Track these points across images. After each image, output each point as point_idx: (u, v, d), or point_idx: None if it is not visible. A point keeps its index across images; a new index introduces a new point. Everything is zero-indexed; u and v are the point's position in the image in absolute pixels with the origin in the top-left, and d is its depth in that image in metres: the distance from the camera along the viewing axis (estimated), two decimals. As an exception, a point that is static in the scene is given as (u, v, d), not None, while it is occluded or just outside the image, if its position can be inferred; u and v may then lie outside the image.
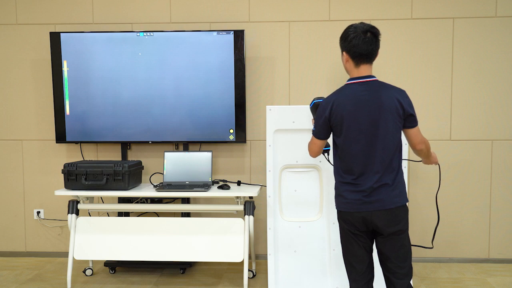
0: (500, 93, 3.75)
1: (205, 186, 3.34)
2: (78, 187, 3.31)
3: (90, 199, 3.48)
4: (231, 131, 3.71)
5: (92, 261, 3.64)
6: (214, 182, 3.58)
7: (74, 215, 3.33)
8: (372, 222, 2.16)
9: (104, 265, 3.64)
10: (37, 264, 3.87)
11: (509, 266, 3.74)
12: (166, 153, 3.55)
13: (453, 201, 3.81)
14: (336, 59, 3.79)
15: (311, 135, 2.33)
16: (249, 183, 3.78)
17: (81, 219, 3.34)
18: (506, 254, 3.82)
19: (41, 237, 4.06)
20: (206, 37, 3.66)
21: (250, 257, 3.52)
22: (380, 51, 3.82)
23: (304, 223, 3.20)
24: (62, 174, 3.34)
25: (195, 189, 3.28)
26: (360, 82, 2.19)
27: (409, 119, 2.19)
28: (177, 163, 3.52)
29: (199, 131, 3.71)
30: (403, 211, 2.19)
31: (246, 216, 3.23)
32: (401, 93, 2.20)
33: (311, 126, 3.10)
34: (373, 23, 3.74)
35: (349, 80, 2.24)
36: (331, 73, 3.80)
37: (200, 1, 3.83)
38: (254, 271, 3.57)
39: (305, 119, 3.15)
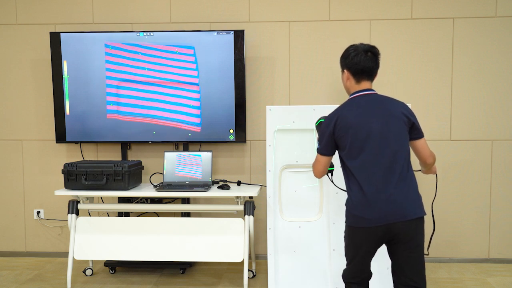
0: (500, 93, 3.75)
1: (205, 186, 3.34)
2: (78, 187, 3.31)
3: (90, 199, 3.48)
4: (231, 131, 3.71)
5: (92, 261, 3.64)
6: (214, 182, 3.58)
7: (74, 215, 3.33)
8: (391, 234, 2.10)
9: (104, 265, 3.64)
10: (37, 264, 3.87)
11: (509, 266, 3.74)
12: (166, 153, 3.55)
13: (453, 201, 3.81)
14: (336, 59, 3.78)
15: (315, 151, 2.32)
16: (249, 183, 3.78)
17: (81, 219, 3.34)
18: (506, 254, 3.82)
19: (41, 237, 4.06)
20: (206, 37, 3.66)
21: (250, 257, 3.52)
22: (380, 51, 3.82)
23: (304, 223, 3.20)
24: (62, 174, 3.34)
25: (195, 189, 3.28)
26: (363, 94, 2.22)
27: (414, 129, 2.19)
28: (177, 163, 3.52)
29: (199, 131, 3.71)
30: (422, 222, 2.15)
31: (246, 216, 3.23)
32: (403, 104, 2.24)
33: (311, 126, 3.13)
34: (373, 23, 3.76)
35: (351, 95, 2.26)
36: (331, 73, 3.80)
37: (200, 1, 3.83)
38: (254, 271, 3.57)
39: (305, 119, 3.15)
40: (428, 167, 2.31)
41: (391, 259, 2.21)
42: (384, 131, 2.12)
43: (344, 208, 2.24)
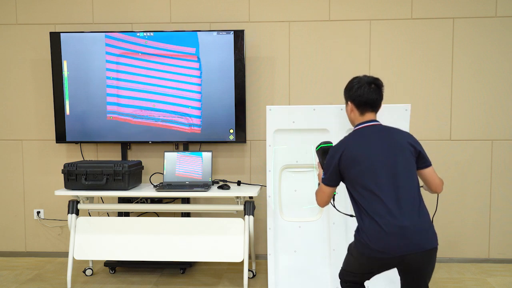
0: (500, 93, 3.75)
1: (205, 186, 3.34)
2: (78, 187, 3.31)
3: (90, 199, 3.48)
4: (231, 131, 3.71)
5: (92, 261, 3.64)
6: (214, 182, 3.58)
7: (74, 215, 3.33)
8: (404, 263, 2.05)
9: (104, 265, 3.64)
10: (37, 264, 3.87)
11: (509, 266, 3.74)
12: (166, 153, 3.55)
13: (453, 201, 3.81)
14: (336, 59, 3.79)
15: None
16: (249, 183, 3.78)
17: (81, 219, 3.34)
18: (506, 254, 3.82)
19: (41, 237, 4.06)
20: (206, 37, 3.66)
21: (250, 257, 3.52)
22: (380, 51, 3.84)
23: (304, 223, 3.20)
24: (62, 174, 3.34)
25: (195, 189, 3.28)
26: (368, 125, 2.22)
27: (421, 159, 2.18)
28: (177, 163, 3.52)
29: (199, 131, 3.71)
30: (436, 252, 2.11)
31: (246, 216, 3.23)
32: (408, 134, 2.24)
33: (310, 126, 3.13)
34: (373, 23, 3.76)
35: (356, 126, 2.26)
36: (331, 73, 3.80)
37: (200, 1, 3.83)
38: (254, 271, 3.57)
39: (305, 119, 3.14)
40: (436, 193, 2.28)
41: (400, 280, 2.18)
42: (392, 162, 2.10)
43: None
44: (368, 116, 2.24)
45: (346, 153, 2.15)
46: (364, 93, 2.21)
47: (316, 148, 2.41)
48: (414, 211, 2.05)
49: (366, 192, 2.09)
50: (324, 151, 2.38)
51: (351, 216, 2.33)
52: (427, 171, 2.20)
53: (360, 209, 2.12)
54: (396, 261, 2.06)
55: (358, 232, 2.13)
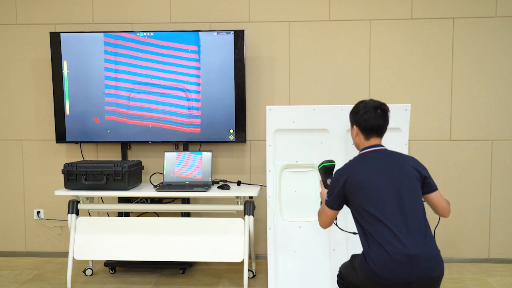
0: (500, 93, 3.75)
1: (205, 186, 3.34)
2: (78, 187, 3.31)
3: (90, 199, 3.48)
4: (231, 131, 3.71)
5: (92, 261, 3.64)
6: (214, 182, 3.58)
7: (74, 215, 3.33)
8: None
9: (104, 265, 3.64)
10: (37, 264, 3.87)
11: (509, 266, 3.74)
12: (166, 153, 3.55)
13: (453, 201, 3.81)
14: (336, 59, 3.79)
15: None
16: (249, 183, 3.78)
17: (81, 219, 3.34)
18: (506, 254, 3.82)
19: (41, 237, 4.06)
20: (206, 37, 3.66)
21: (250, 257, 3.52)
22: (380, 51, 3.83)
23: (304, 223, 3.19)
24: (62, 174, 3.34)
25: (195, 189, 3.28)
26: (373, 150, 2.22)
27: (426, 183, 2.17)
28: (177, 163, 3.52)
29: (199, 131, 3.72)
30: (442, 277, 2.09)
31: (246, 216, 3.23)
32: (413, 158, 2.23)
33: (310, 126, 3.13)
34: (373, 23, 3.76)
35: (361, 150, 2.26)
36: (331, 73, 3.80)
37: (200, 1, 3.83)
38: (254, 271, 3.57)
39: (305, 119, 3.14)
40: (444, 217, 2.27)
41: None
42: (397, 188, 2.08)
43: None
44: (374, 141, 2.24)
45: (350, 178, 2.14)
46: (370, 118, 2.20)
47: (319, 166, 2.42)
48: (421, 237, 2.03)
49: (371, 218, 2.06)
50: (326, 169, 2.39)
51: (354, 233, 2.32)
52: (433, 196, 2.20)
53: (366, 234, 2.10)
54: (401, 287, 2.03)
55: (364, 256, 2.10)
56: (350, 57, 3.79)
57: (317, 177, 2.89)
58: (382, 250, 2.01)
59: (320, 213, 2.29)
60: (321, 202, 2.41)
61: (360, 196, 2.10)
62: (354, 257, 2.26)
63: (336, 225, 2.38)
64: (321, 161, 2.43)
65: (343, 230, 2.55)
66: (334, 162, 2.41)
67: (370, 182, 2.10)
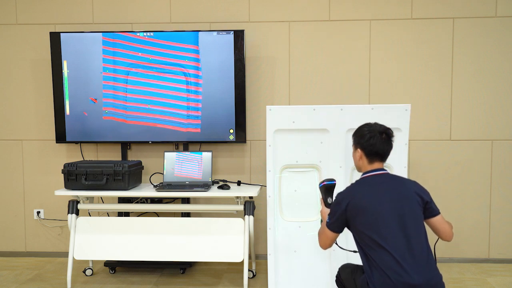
0: (500, 93, 3.75)
1: (205, 186, 3.34)
2: (78, 187, 3.31)
3: (90, 199, 3.48)
4: (231, 131, 3.71)
5: (92, 261, 3.63)
6: (214, 182, 3.58)
7: (74, 215, 3.33)
8: None
9: (104, 265, 3.64)
10: (37, 264, 3.87)
11: (509, 266, 3.74)
12: (166, 153, 3.55)
13: (453, 201, 3.81)
14: (336, 59, 3.79)
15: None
16: (249, 183, 3.78)
17: (81, 219, 3.34)
18: (506, 254, 3.82)
19: (41, 237, 4.06)
20: (206, 37, 3.66)
21: (250, 257, 3.52)
22: (380, 51, 3.83)
23: (304, 223, 3.20)
24: (62, 174, 3.34)
25: (195, 189, 3.28)
26: (375, 174, 2.21)
27: (428, 208, 2.16)
28: (177, 163, 3.52)
29: (199, 131, 3.72)
30: None
31: (246, 216, 3.23)
32: (415, 183, 2.22)
33: (310, 126, 3.13)
34: (373, 23, 3.76)
35: (363, 174, 2.25)
36: (331, 73, 3.80)
37: (200, 1, 3.83)
38: (254, 271, 3.57)
39: (305, 119, 3.14)
40: (447, 241, 2.26)
41: None
42: (399, 214, 2.08)
43: None
44: (377, 165, 2.24)
45: (352, 202, 2.13)
46: (376, 143, 2.20)
47: (319, 185, 2.42)
48: (424, 264, 2.03)
49: (374, 243, 2.06)
50: (327, 188, 2.39)
51: (355, 252, 2.32)
52: (435, 220, 2.19)
53: (368, 259, 2.09)
54: None
55: (366, 280, 2.09)
56: (350, 57, 3.79)
57: (318, 195, 2.90)
58: (385, 277, 2.01)
59: (320, 234, 2.29)
60: (322, 221, 2.41)
61: (362, 221, 2.10)
62: (356, 270, 2.25)
63: (337, 244, 2.37)
64: (322, 180, 2.44)
65: (344, 249, 2.54)
66: (334, 180, 2.42)
67: (372, 207, 2.09)
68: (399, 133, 3.14)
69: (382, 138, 2.20)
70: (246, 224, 3.22)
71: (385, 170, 2.25)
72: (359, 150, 2.26)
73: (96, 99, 3.73)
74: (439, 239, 2.29)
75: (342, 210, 2.15)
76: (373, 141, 2.20)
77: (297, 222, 3.20)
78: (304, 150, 3.19)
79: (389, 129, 2.25)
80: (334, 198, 2.32)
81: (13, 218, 4.06)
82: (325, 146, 3.16)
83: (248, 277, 3.39)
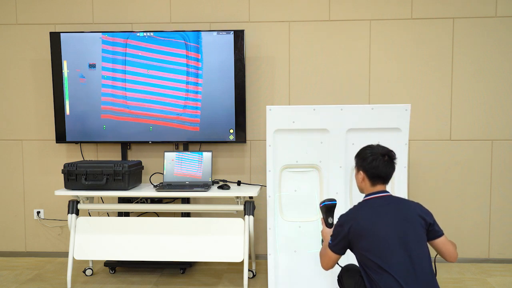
0: (500, 93, 3.75)
1: (205, 186, 3.34)
2: (78, 187, 3.31)
3: (90, 199, 3.48)
4: (231, 131, 3.71)
5: (92, 261, 3.63)
6: (214, 182, 3.58)
7: (74, 215, 3.33)
8: None
9: (104, 265, 3.64)
10: (37, 264, 3.87)
11: (509, 266, 3.74)
12: (166, 153, 3.55)
13: (453, 201, 3.81)
14: (336, 59, 3.79)
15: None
16: (249, 183, 3.78)
17: (81, 219, 3.34)
18: (506, 254, 3.82)
19: (41, 237, 4.06)
20: (206, 37, 3.66)
21: (250, 257, 3.52)
22: (381, 51, 3.83)
23: (304, 223, 3.20)
24: (62, 174, 3.34)
25: (195, 189, 3.28)
26: (378, 196, 2.20)
27: (431, 230, 2.16)
28: (177, 163, 3.52)
29: (199, 131, 3.72)
30: None
31: (246, 216, 3.23)
32: (418, 205, 2.21)
33: (310, 126, 3.13)
34: (373, 23, 3.76)
35: (366, 196, 2.24)
36: (331, 73, 3.80)
37: (200, 1, 3.83)
38: (254, 271, 3.57)
39: (305, 119, 3.14)
40: (452, 262, 2.25)
41: None
42: (402, 236, 2.07)
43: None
44: (379, 187, 2.23)
45: (355, 225, 2.12)
46: (379, 166, 2.19)
47: (320, 204, 2.41)
48: (428, 286, 2.02)
49: (377, 267, 2.05)
50: (327, 208, 2.38)
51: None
52: (439, 241, 2.17)
53: (371, 280, 2.08)
54: None
55: None
56: (350, 57, 3.79)
57: (319, 215, 2.89)
58: None
59: (322, 255, 2.28)
60: (323, 241, 2.40)
61: (365, 245, 2.09)
62: (358, 280, 2.23)
63: (339, 265, 2.35)
64: (322, 200, 2.43)
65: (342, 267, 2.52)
66: (335, 200, 2.40)
67: (375, 231, 2.08)
68: (399, 133, 3.14)
69: (384, 161, 2.19)
70: (246, 224, 3.22)
71: (388, 192, 2.23)
72: (361, 172, 2.25)
73: (96, 100, 3.72)
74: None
75: (345, 233, 2.14)
76: (375, 163, 2.19)
77: (297, 222, 3.20)
78: (304, 150, 3.19)
79: (391, 151, 2.24)
80: (334, 218, 2.31)
81: (13, 218, 4.06)
82: (325, 146, 3.16)
83: (248, 277, 3.39)
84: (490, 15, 3.70)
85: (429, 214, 2.17)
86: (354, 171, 2.33)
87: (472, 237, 3.82)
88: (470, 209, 3.81)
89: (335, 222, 2.30)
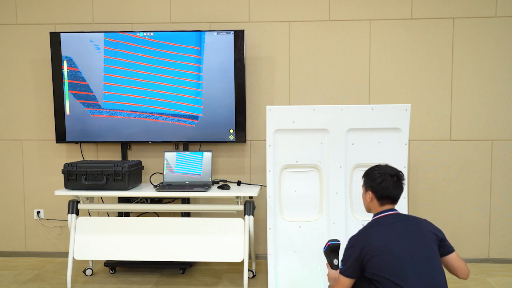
0: (500, 93, 3.75)
1: (205, 186, 3.34)
2: (78, 187, 3.31)
3: (90, 199, 3.48)
4: (231, 131, 3.71)
5: (92, 261, 3.64)
6: (214, 182, 3.58)
7: (74, 215, 3.33)
8: None
9: (104, 265, 3.64)
10: (37, 264, 3.87)
11: (509, 266, 3.74)
12: (166, 153, 3.55)
13: (453, 201, 3.81)
14: (336, 59, 3.79)
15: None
16: (249, 183, 3.78)
17: (81, 219, 3.34)
18: (506, 254, 3.82)
19: (41, 237, 4.06)
20: (206, 37, 3.66)
21: (250, 257, 3.52)
22: (380, 51, 3.83)
23: (304, 223, 3.20)
24: (62, 174, 3.34)
25: (195, 189, 3.28)
26: (387, 215, 2.18)
27: (443, 245, 2.15)
28: (177, 163, 3.52)
29: (199, 131, 3.72)
30: None
31: (246, 216, 3.23)
32: (428, 221, 2.20)
33: (310, 126, 3.13)
34: (373, 23, 3.76)
35: (375, 215, 2.22)
36: (331, 73, 3.80)
37: (200, 1, 3.83)
38: (254, 271, 3.57)
39: (305, 119, 3.15)
40: (464, 279, 2.23)
41: None
42: (417, 253, 2.04)
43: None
44: (387, 206, 2.21)
45: (368, 246, 2.08)
46: (389, 187, 2.17)
47: (324, 248, 2.35)
48: None
49: (392, 284, 2.00)
50: (332, 249, 2.33)
51: None
52: (450, 257, 2.17)
53: None
54: None
55: None
56: (350, 57, 3.79)
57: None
58: None
59: (333, 286, 2.20)
60: (329, 286, 2.33)
61: (379, 263, 2.04)
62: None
63: None
64: (325, 243, 2.36)
65: None
66: (338, 241, 2.35)
67: (389, 248, 2.05)
68: (399, 133, 3.14)
69: (393, 181, 2.18)
70: (246, 224, 3.22)
71: (396, 210, 2.21)
72: (370, 192, 2.22)
73: (96, 99, 3.73)
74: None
75: (357, 255, 2.08)
76: (385, 184, 2.17)
77: (297, 222, 3.20)
78: (304, 150, 3.19)
79: (400, 172, 2.22)
80: (339, 257, 2.26)
81: (13, 218, 4.06)
82: (325, 146, 3.16)
83: (248, 277, 3.39)
84: (490, 15, 3.70)
85: (439, 230, 2.16)
86: (362, 191, 2.30)
87: (472, 237, 3.82)
88: (470, 209, 3.81)
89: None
